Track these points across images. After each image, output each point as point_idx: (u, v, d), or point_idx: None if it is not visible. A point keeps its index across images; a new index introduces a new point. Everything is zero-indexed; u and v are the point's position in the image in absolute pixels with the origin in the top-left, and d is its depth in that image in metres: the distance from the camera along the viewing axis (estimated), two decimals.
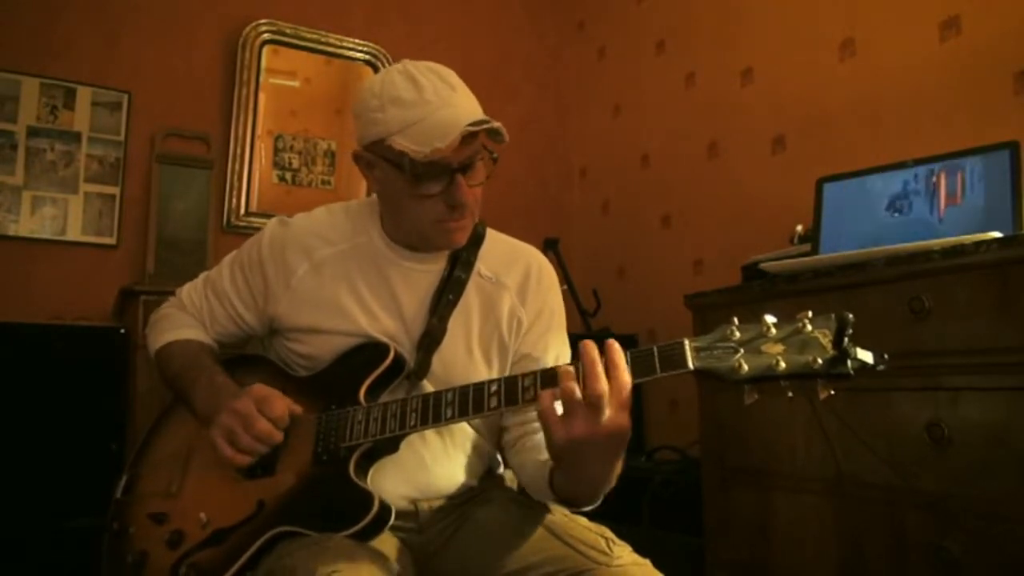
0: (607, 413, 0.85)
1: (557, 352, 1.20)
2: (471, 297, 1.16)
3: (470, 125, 1.00)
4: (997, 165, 1.57)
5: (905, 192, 1.71)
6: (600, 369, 0.85)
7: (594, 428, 0.85)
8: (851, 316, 0.79)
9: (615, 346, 0.87)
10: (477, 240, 1.20)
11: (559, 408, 0.87)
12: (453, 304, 1.14)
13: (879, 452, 1.47)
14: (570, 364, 0.89)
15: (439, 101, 1.02)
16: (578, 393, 0.85)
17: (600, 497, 1.02)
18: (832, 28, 2.37)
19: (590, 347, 0.87)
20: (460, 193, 1.05)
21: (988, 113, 1.94)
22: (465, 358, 1.14)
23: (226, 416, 1.02)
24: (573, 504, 1.05)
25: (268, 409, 1.02)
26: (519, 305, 1.18)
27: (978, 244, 1.36)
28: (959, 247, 1.38)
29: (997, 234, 1.39)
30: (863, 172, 1.80)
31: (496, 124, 1.03)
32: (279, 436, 1.03)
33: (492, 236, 1.24)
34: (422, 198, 1.06)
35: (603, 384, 0.85)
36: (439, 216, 1.07)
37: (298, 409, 1.05)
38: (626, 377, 0.86)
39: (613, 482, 0.98)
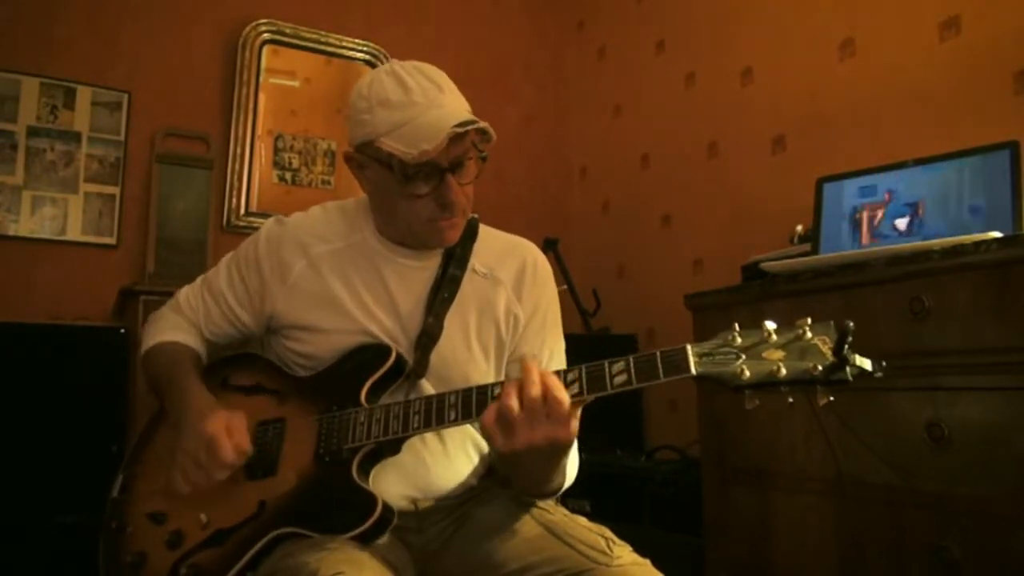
0: (545, 426, 0.89)
1: (551, 348, 1.20)
2: (467, 293, 1.16)
3: (456, 126, 1.00)
4: (997, 165, 1.57)
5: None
6: (536, 376, 0.90)
7: (531, 441, 0.89)
8: (852, 324, 0.80)
9: (548, 373, 0.92)
10: (471, 236, 1.20)
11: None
12: (449, 301, 1.14)
13: (879, 452, 1.47)
14: (516, 380, 0.92)
15: (426, 102, 1.03)
16: (515, 409, 0.89)
17: (552, 491, 1.07)
18: (832, 28, 2.37)
19: (529, 360, 0.94)
20: (450, 193, 1.06)
21: (988, 113, 1.94)
22: (464, 355, 1.14)
23: (181, 456, 1.03)
24: (529, 496, 1.09)
25: (215, 453, 1.00)
26: (515, 301, 1.19)
27: (978, 244, 1.36)
28: (959, 247, 1.38)
29: (997, 234, 1.39)
30: (863, 172, 1.80)
31: (483, 124, 1.03)
32: (226, 475, 1.02)
33: (486, 232, 1.24)
34: (413, 198, 1.06)
35: (537, 389, 0.89)
36: (430, 215, 1.08)
37: (248, 449, 1.03)
38: (560, 394, 0.89)
39: (563, 478, 1.06)
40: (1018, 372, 1.29)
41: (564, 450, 0.94)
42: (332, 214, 1.22)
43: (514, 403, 0.89)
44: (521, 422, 0.89)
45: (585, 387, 0.92)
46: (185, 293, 1.25)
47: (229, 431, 1.02)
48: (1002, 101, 1.92)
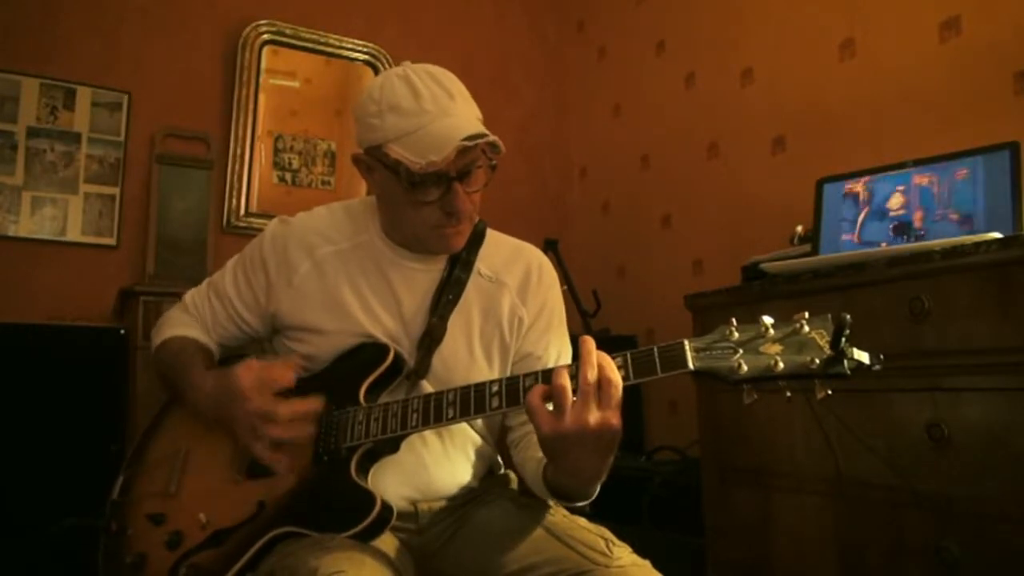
0: (596, 411, 0.86)
1: (558, 350, 1.20)
2: (471, 296, 1.16)
3: (466, 139, 1.00)
4: (997, 165, 1.57)
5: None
6: (595, 359, 0.87)
7: (582, 424, 0.86)
8: (848, 317, 0.80)
9: (604, 354, 0.89)
10: (477, 240, 1.20)
11: (550, 405, 0.88)
12: (453, 303, 1.14)
13: (879, 452, 1.47)
14: (568, 364, 0.90)
15: (437, 110, 1.02)
16: (569, 389, 0.87)
17: (593, 493, 1.02)
18: (832, 28, 2.37)
19: (588, 341, 0.88)
20: (457, 201, 1.05)
21: (988, 113, 1.94)
22: (466, 357, 1.14)
23: (244, 417, 1.02)
24: (566, 499, 1.05)
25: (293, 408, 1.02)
26: (520, 304, 1.18)
27: (978, 244, 1.36)
28: (959, 247, 1.38)
29: (997, 234, 1.39)
30: (863, 172, 1.80)
31: (493, 138, 1.02)
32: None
33: (492, 236, 1.24)
34: (419, 204, 1.06)
35: (595, 372, 0.86)
36: (436, 222, 1.08)
37: (317, 404, 1.05)
38: (615, 377, 0.87)
39: (604, 478, 0.99)
40: (1018, 372, 1.29)
41: (614, 441, 0.90)
42: (337, 214, 1.21)
43: (567, 382, 0.87)
44: (572, 403, 0.86)
45: None
46: (191, 295, 1.25)
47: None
48: (1002, 101, 1.92)
